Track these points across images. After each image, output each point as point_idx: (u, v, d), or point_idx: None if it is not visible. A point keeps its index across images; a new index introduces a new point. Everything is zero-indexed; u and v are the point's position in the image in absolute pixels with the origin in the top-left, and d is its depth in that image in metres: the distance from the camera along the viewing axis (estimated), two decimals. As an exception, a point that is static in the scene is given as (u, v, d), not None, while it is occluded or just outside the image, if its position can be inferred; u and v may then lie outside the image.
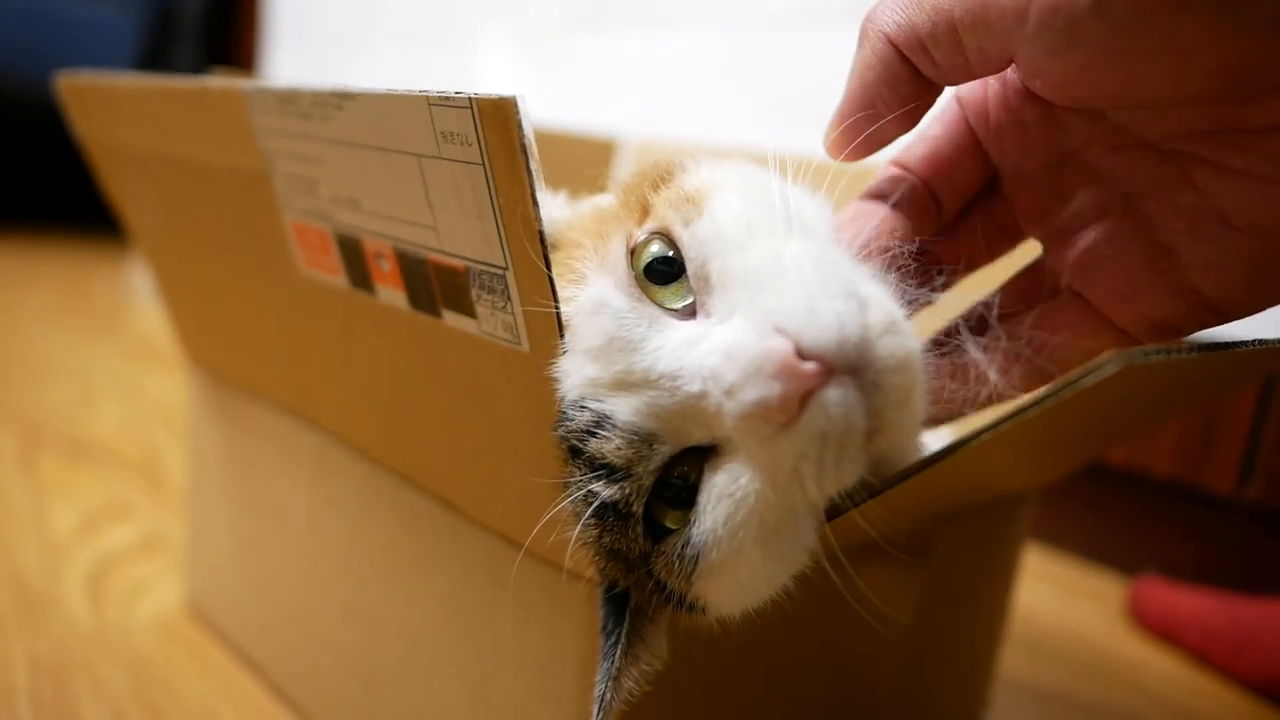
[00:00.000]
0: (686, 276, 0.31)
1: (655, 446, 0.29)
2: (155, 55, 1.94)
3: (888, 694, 0.47)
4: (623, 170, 0.76)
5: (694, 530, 0.30)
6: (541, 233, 0.27)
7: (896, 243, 0.32)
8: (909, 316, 0.31)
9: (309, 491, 0.49)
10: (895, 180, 0.34)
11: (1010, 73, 0.32)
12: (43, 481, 0.82)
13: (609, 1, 1.18)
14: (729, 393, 0.27)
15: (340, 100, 0.32)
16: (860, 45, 0.31)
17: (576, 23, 1.23)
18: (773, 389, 0.26)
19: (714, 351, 0.28)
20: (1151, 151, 0.30)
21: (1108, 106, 0.30)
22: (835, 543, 0.32)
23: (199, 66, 1.99)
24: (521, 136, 0.26)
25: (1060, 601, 0.79)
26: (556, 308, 0.29)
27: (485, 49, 1.36)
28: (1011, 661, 0.64)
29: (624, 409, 0.29)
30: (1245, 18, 0.25)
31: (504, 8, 1.33)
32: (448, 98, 0.27)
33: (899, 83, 0.31)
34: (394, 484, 0.43)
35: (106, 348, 1.28)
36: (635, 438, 0.29)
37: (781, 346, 0.26)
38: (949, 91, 0.33)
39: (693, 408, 0.28)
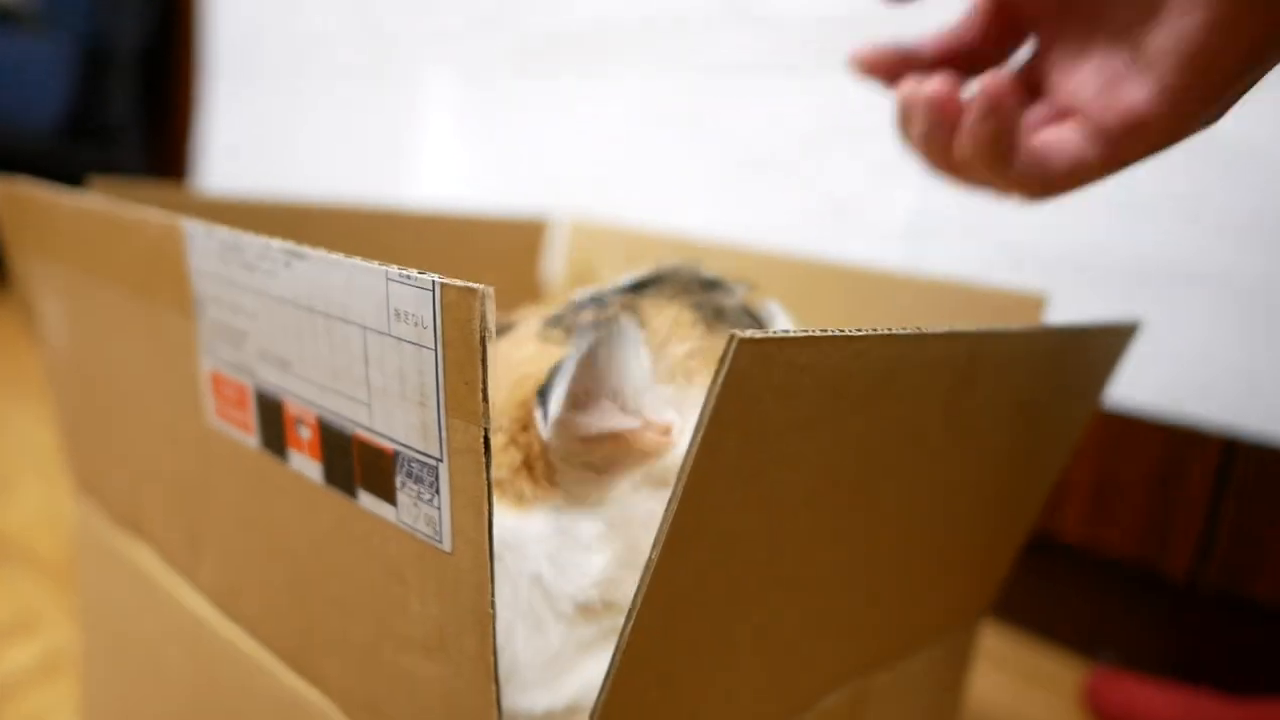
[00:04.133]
0: None
1: None
2: (89, 94, 1.90)
3: None
4: (554, 252, 0.77)
5: None
6: (487, 432, 0.26)
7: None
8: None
9: (190, 665, 0.45)
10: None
11: None
12: None
13: (557, 47, 1.21)
14: None
15: (290, 258, 0.30)
16: None
17: (524, 66, 1.25)
18: None
19: None
20: None
21: None
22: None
23: (135, 105, 1.94)
24: (483, 329, 0.25)
25: (1014, 691, 0.76)
26: (490, 510, 0.26)
27: (430, 90, 1.37)
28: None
29: None
30: None
31: (449, 51, 1.35)
32: (408, 275, 0.26)
33: None
34: (275, 668, 0.39)
35: (28, 417, 1.18)
36: None
37: None
38: None
39: None
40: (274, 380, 0.33)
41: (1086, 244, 0.79)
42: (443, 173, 1.37)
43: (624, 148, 1.14)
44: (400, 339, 0.27)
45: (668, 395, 0.33)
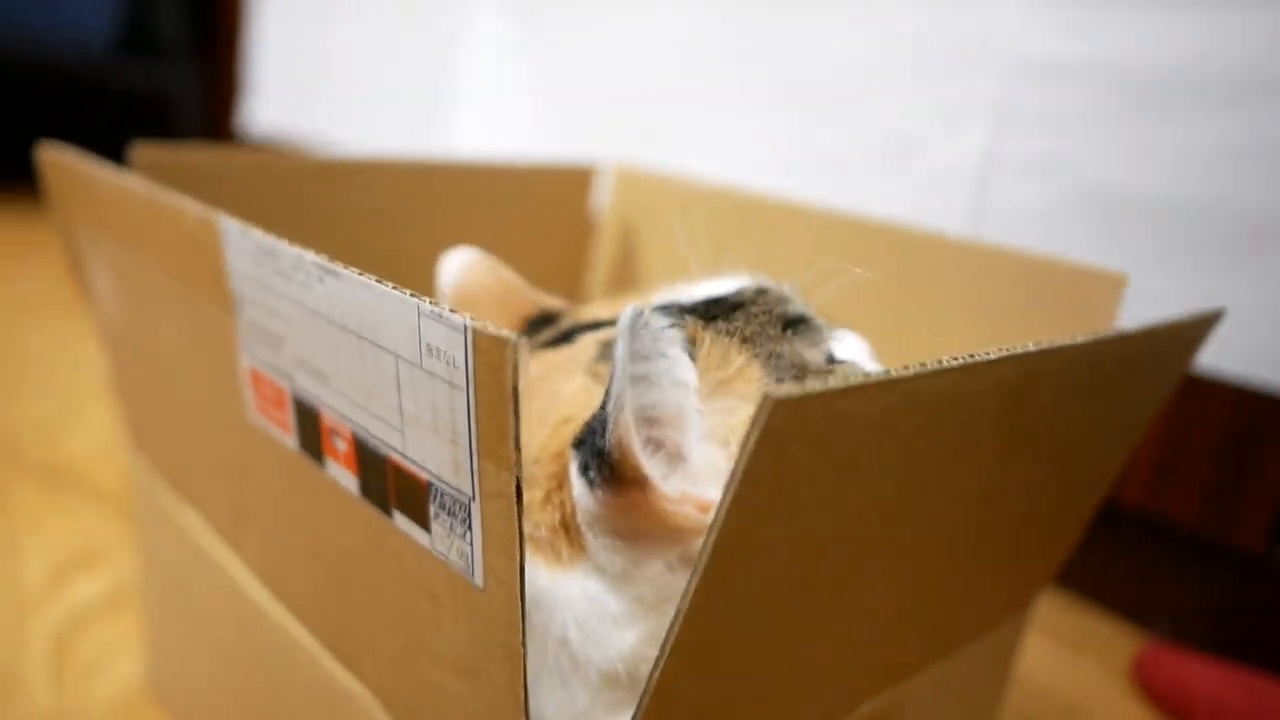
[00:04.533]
0: None
1: None
2: (139, 13, 1.89)
3: None
4: (601, 201, 0.75)
5: None
6: (519, 480, 0.25)
7: None
8: None
9: (239, 635, 0.46)
10: None
11: None
12: (17, 518, 0.78)
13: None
14: None
15: (323, 274, 0.29)
16: None
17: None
18: None
19: None
20: None
21: None
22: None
23: (185, 24, 1.93)
24: (515, 379, 0.24)
25: (1062, 660, 0.76)
26: (521, 554, 0.26)
27: (475, 13, 1.34)
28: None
29: None
30: None
31: None
32: (440, 315, 0.25)
33: None
34: (320, 654, 0.39)
35: (91, 341, 1.20)
36: None
37: None
38: None
39: None
40: (311, 389, 0.32)
41: (1167, 195, 0.74)
42: (486, 104, 1.34)
43: (674, 81, 1.10)
44: (432, 374, 0.26)
45: (717, 462, 0.31)
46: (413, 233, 0.66)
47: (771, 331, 0.36)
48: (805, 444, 0.24)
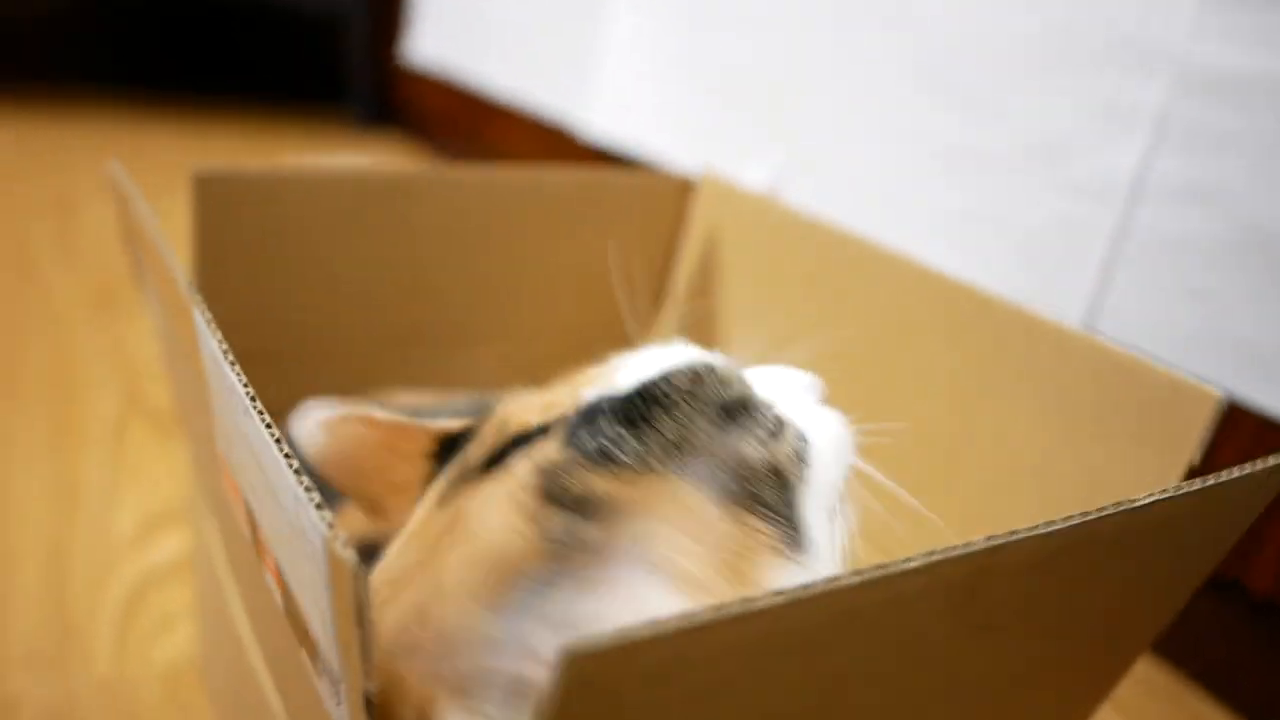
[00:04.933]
0: None
1: None
2: None
3: None
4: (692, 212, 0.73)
5: None
6: (369, 695, 0.24)
7: None
8: None
9: (238, 666, 0.48)
10: None
11: None
12: (125, 459, 0.82)
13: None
14: None
15: (244, 413, 0.29)
16: None
17: None
18: None
19: None
20: None
21: None
22: None
23: None
24: (361, 605, 0.23)
25: None
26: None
27: None
28: None
29: None
30: None
31: None
32: (309, 506, 0.24)
33: None
34: None
35: None
36: None
37: None
38: None
39: None
40: (251, 501, 0.32)
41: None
42: (628, 63, 1.31)
43: (811, 58, 1.04)
44: (308, 556, 0.25)
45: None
46: (489, 247, 0.65)
47: (703, 425, 0.34)
48: (633, 681, 0.22)
